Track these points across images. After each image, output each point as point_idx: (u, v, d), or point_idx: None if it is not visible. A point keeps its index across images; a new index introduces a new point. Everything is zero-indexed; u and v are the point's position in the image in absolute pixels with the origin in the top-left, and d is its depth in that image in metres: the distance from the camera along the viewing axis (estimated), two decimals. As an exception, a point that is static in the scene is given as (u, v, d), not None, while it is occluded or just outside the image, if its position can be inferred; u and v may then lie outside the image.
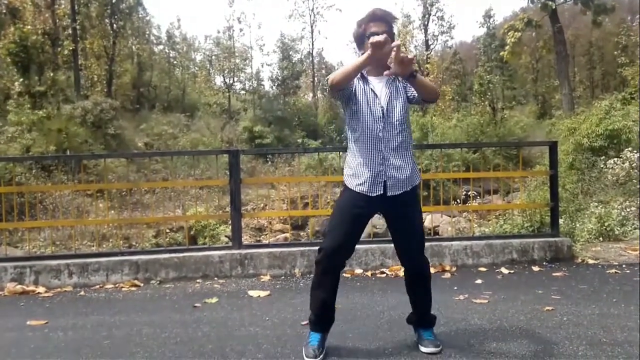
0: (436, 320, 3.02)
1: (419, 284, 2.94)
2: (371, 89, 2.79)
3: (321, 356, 2.79)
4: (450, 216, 12.84)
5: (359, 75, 2.79)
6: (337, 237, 2.80)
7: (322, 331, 2.90)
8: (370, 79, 2.82)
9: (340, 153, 6.21)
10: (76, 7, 26.22)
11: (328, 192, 16.17)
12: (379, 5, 2.81)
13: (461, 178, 6.42)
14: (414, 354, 2.83)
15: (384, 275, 4.79)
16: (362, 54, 2.71)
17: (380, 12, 2.80)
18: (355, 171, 2.81)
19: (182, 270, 4.86)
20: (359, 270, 4.89)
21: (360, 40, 2.82)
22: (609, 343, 2.94)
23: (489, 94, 27.46)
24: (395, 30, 2.86)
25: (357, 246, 4.88)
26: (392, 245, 3.03)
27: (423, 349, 2.85)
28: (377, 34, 2.66)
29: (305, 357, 2.80)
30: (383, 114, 2.76)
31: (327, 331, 2.93)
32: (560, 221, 5.75)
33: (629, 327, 3.17)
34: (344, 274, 4.79)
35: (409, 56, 2.59)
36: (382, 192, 2.76)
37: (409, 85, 2.79)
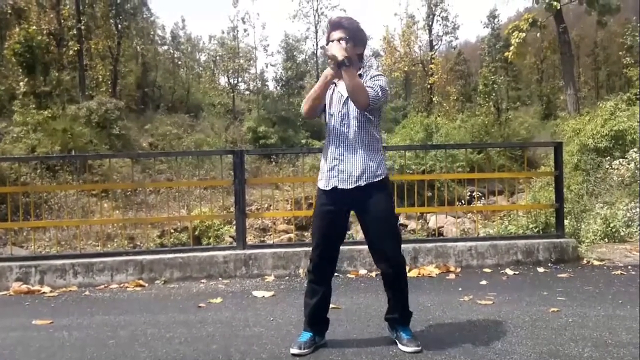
0: (410, 318, 3.03)
1: (393, 281, 2.95)
2: (339, 91, 2.92)
3: (305, 350, 2.85)
4: (454, 217, 12.81)
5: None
6: (317, 240, 2.93)
7: (313, 332, 2.96)
8: (339, 82, 2.91)
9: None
10: (81, 8, 26.35)
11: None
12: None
13: (466, 179, 6.42)
14: (418, 355, 2.82)
15: (388, 275, 4.77)
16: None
17: (336, 19, 2.96)
18: (320, 170, 2.95)
19: (186, 270, 4.87)
20: (363, 271, 4.89)
21: None
22: (615, 345, 2.93)
23: (494, 94, 27.40)
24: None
25: (361, 247, 4.89)
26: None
27: (404, 348, 2.88)
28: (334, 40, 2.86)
29: (290, 349, 2.88)
30: (343, 109, 2.87)
31: (319, 333, 2.98)
32: (566, 222, 5.73)
33: (635, 329, 3.16)
34: (349, 275, 4.80)
35: (334, 45, 2.77)
36: (335, 185, 2.84)
37: (370, 84, 2.83)
